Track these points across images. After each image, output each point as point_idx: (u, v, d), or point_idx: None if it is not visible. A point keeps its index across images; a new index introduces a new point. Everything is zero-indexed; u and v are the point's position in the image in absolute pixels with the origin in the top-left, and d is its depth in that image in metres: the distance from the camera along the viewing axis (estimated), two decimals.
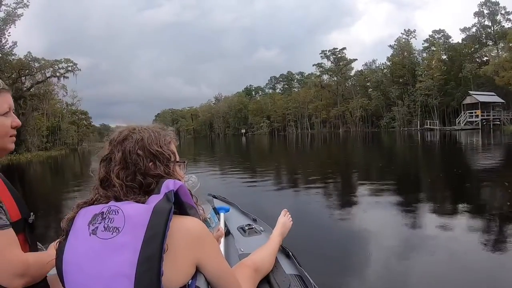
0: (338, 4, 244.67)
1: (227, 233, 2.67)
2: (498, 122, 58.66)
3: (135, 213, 1.16)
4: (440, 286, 3.66)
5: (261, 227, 2.78)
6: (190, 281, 1.26)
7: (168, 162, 1.37)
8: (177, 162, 1.44)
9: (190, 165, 15.17)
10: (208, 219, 1.89)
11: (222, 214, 2.96)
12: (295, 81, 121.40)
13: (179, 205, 1.27)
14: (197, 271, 1.29)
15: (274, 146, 41.72)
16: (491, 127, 55.94)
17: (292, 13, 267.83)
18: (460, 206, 7.00)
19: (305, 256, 2.70)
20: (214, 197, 3.84)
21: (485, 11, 71.24)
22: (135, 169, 1.29)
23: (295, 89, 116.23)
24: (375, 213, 6.73)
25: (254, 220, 3.01)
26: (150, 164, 1.32)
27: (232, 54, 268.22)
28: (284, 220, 2.46)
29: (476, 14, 72.27)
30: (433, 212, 6.51)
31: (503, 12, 70.40)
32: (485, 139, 32.77)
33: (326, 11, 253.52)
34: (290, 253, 2.26)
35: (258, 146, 44.16)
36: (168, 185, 1.23)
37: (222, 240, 2.33)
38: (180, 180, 1.33)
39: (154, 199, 1.20)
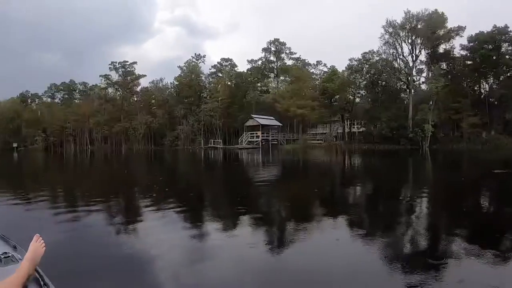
0: (135, 18, 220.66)
1: None
2: (276, 142, 62.55)
3: None
4: None
5: (19, 255, 2.30)
6: None
7: None
8: None
9: None
10: None
11: None
12: (77, 91, 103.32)
13: None
14: None
15: (50, 164, 34.39)
16: (270, 146, 59.49)
17: (84, 17, 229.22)
18: (243, 214, 7.08)
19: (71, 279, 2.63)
20: None
21: (272, 48, 76.89)
22: None
23: (76, 100, 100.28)
24: (159, 230, 6.34)
25: (14, 248, 2.53)
26: None
27: (7, 51, 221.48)
28: (35, 247, 2.14)
29: (264, 49, 77.40)
30: (215, 222, 6.74)
31: (287, 51, 77.39)
32: (264, 156, 35.51)
33: (122, 23, 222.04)
34: (42, 281, 1.97)
35: (32, 164, 34.64)
36: None
37: None
38: None
39: None
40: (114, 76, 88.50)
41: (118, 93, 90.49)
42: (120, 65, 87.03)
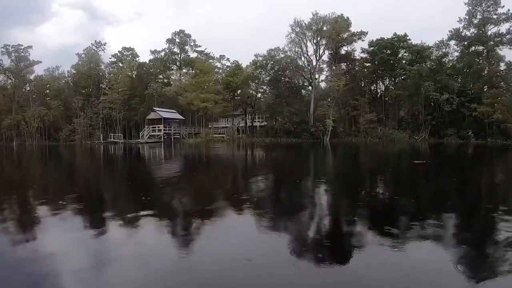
0: None
1: None
2: (178, 136, 59.41)
3: None
4: None
5: None
6: None
7: None
8: None
9: None
10: None
11: None
12: None
13: None
14: None
15: None
16: (172, 140, 56.43)
17: None
18: (144, 213, 6.43)
19: None
20: None
21: (177, 40, 73.14)
22: None
23: None
24: (59, 233, 5.39)
25: None
26: None
27: None
28: None
29: (168, 41, 73.28)
30: (119, 222, 6.01)
31: (192, 44, 74.23)
32: (166, 151, 33.66)
33: (13, 1, 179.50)
34: None
35: None
36: None
37: None
38: None
39: None
40: (6, 62, 76.04)
41: (10, 81, 78.57)
42: (13, 48, 74.82)
